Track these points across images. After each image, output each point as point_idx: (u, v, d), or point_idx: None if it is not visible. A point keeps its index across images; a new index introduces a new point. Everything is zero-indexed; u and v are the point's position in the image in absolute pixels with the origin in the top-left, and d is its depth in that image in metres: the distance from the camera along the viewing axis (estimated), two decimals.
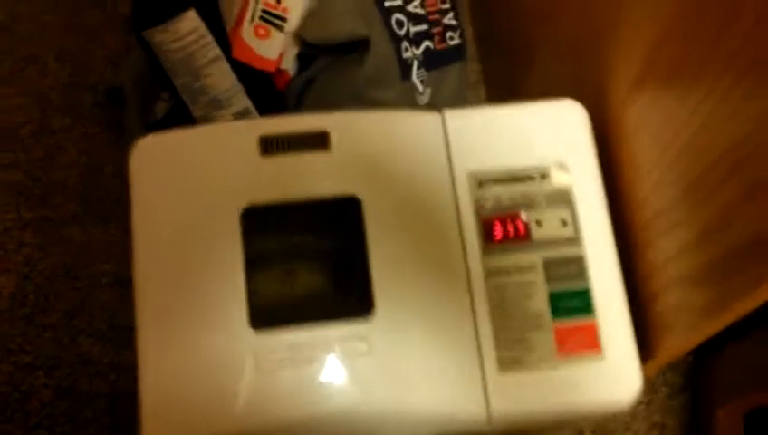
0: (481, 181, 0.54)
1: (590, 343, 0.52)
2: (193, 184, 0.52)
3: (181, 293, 0.51)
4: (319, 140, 0.53)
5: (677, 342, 0.55)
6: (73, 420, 0.80)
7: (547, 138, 0.55)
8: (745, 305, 0.48)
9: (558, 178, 0.54)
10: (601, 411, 0.54)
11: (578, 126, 0.55)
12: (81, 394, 0.81)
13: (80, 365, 0.81)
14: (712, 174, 0.49)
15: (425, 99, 0.81)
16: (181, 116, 0.80)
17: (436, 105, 0.57)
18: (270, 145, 0.53)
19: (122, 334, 0.83)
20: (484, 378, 0.51)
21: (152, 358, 0.50)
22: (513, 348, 0.51)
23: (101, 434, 0.80)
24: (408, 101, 0.79)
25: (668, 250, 0.55)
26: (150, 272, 0.51)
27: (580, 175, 0.55)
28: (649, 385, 0.84)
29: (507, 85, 0.87)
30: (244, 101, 0.79)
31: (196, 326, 0.50)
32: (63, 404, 0.80)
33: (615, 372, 0.52)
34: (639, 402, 0.83)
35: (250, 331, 0.50)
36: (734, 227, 0.48)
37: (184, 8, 0.75)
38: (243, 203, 0.52)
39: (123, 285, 0.84)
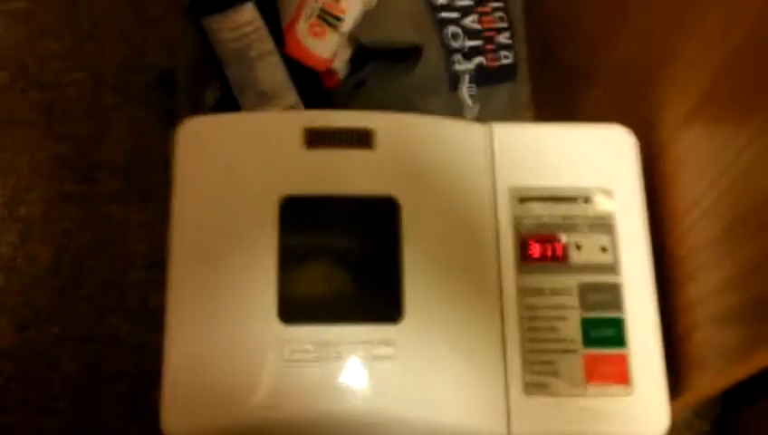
0: (522, 198, 0.53)
1: (619, 374, 0.51)
2: (235, 169, 0.53)
3: (213, 277, 0.51)
4: (363, 138, 0.53)
5: (707, 381, 0.54)
6: (94, 396, 0.80)
7: (594, 162, 0.54)
8: None
9: (601, 204, 0.53)
10: None
11: (626, 153, 0.55)
12: (105, 371, 0.81)
13: (106, 342, 0.82)
14: (757, 214, 0.48)
15: (473, 113, 0.81)
16: (230, 106, 0.81)
17: (486, 121, 0.57)
18: (314, 138, 0.53)
19: (151, 316, 0.83)
20: (507, 397, 0.50)
21: (178, 340, 0.50)
22: (540, 371, 0.51)
23: (120, 412, 0.80)
24: (456, 112, 0.79)
25: (705, 287, 0.54)
26: (185, 253, 0.52)
27: (625, 202, 0.54)
28: (675, 431, 0.82)
29: (558, 109, 0.87)
30: (292, 97, 0.79)
31: (225, 312, 0.50)
32: (86, 379, 0.81)
33: (643, 408, 0.51)
34: None
35: (278, 323, 0.50)
36: None
37: None
38: (282, 193, 0.52)
39: (156, 267, 0.84)
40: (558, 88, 0.87)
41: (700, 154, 0.54)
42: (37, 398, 0.80)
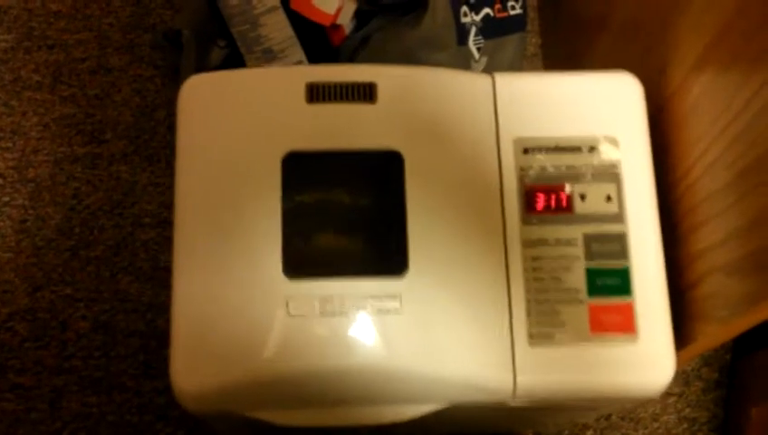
0: (527, 148, 0.53)
1: (625, 323, 0.51)
2: (238, 125, 0.52)
3: (218, 234, 0.51)
4: (366, 92, 0.53)
5: (715, 331, 0.54)
6: (107, 354, 0.82)
7: (599, 110, 0.53)
8: None
9: (607, 152, 0.53)
10: (631, 395, 0.53)
11: (632, 100, 0.54)
12: (117, 330, 0.82)
13: (118, 302, 0.83)
14: (765, 163, 0.47)
15: (480, 66, 0.80)
16: (236, 65, 0.80)
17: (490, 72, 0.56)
18: (316, 92, 0.53)
19: (162, 275, 0.84)
20: (513, 349, 0.50)
21: (185, 298, 0.51)
22: (545, 321, 0.51)
23: (133, 371, 0.81)
24: (463, 66, 0.78)
25: (714, 236, 0.53)
26: (190, 209, 0.52)
27: (630, 151, 0.53)
28: (683, 378, 0.83)
29: (567, 60, 0.86)
30: (298, 54, 0.79)
31: (231, 269, 0.50)
32: (99, 338, 0.82)
33: (648, 356, 0.50)
34: (671, 394, 0.82)
35: (283, 278, 0.50)
36: None
37: None
38: (285, 148, 0.52)
39: (165, 226, 0.85)
40: (567, 38, 0.86)
41: (709, 103, 0.53)
42: (51, 357, 0.81)
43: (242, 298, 0.50)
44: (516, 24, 0.82)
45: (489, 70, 0.81)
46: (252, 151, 0.52)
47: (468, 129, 0.53)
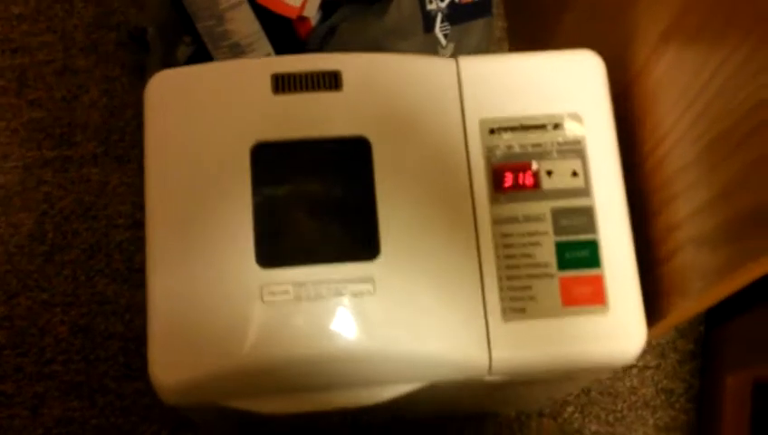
0: (492, 129, 0.53)
1: (595, 295, 0.51)
2: (205, 119, 0.52)
3: (190, 228, 0.51)
4: (331, 80, 0.53)
5: (688, 304, 0.54)
6: (87, 358, 0.81)
7: (562, 88, 0.54)
8: (758, 269, 0.48)
9: (571, 129, 0.54)
10: (604, 364, 0.54)
11: (594, 77, 0.55)
12: (96, 333, 0.82)
13: (96, 304, 0.83)
14: (732, 134, 0.48)
15: (447, 53, 0.81)
16: (203, 60, 0.80)
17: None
18: (282, 83, 0.53)
19: (138, 276, 0.84)
20: (487, 325, 0.51)
21: (160, 290, 0.51)
22: (517, 297, 0.51)
23: (114, 373, 0.81)
24: (430, 53, 0.79)
25: (684, 211, 0.54)
26: (160, 204, 0.52)
27: (594, 126, 0.54)
28: (659, 351, 0.84)
29: (532, 43, 0.86)
30: (265, 47, 0.79)
31: (204, 262, 0.51)
32: (78, 342, 0.82)
33: (619, 326, 0.51)
34: (647, 367, 0.83)
35: (256, 267, 0.50)
36: (751, 188, 0.47)
37: None
38: (253, 140, 0.52)
39: (139, 227, 0.85)
40: (532, 20, 0.87)
41: (674, 80, 0.54)
42: (31, 364, 0.81)
43: (216, 289, 0.50)
44: (481, 9, 0.83)
45: (456, 56, 0.81)
46: (220, 144, 0.52)
47: (434, 112, 0.53)
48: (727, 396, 0.77)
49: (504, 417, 0.82)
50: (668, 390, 0.83)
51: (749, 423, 0.76)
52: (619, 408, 0.83)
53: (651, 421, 0.82)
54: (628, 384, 0.83)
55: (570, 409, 0.82)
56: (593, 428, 0.82)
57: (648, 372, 0.83)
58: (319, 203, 0.52)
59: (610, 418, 0.82)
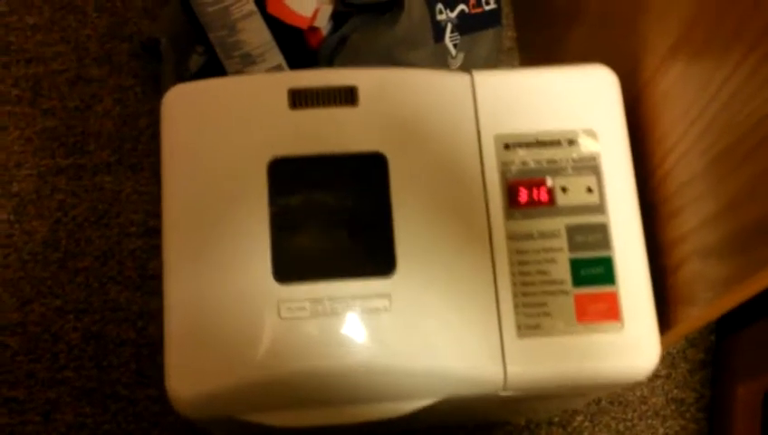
0: (508, 144, 0.54)
1: (610, 311, 0.52)
2: (222, 133, 0.53)
3: (207, 242, 0.52)
4: (347, 96, 0.53)
5: (697, 314, 0.55)
6: (100, 364, 0.82)
7: (576, 103, 0.54)
8: (765, 279, 0.48)
9: (586, 145, 0.54)
10: (618, 381, 0.54)
11: (608, 93, 0.55)
12: (109, 340, 0.83)
13: (108, 311, 0.83)
14: (739, 147, 0.49)
15: (457, 63, 0.81)
16: (215, 71, 0.81)
17: (468, 70, 0.57)
18: (299, 98, 0.53)
19: (150, 283, 0.84)
20: (501, 341, 0.51)
21: (177, 305, 0.51)
22: (532, 313, 0.52)
23: (126, 379, 0.82)
24: (440, 64, 0.79)
25: (691, 222, 0.54)
26: (178, 219, 0.52)
27: (609, 142, 0.54)
28: (669, 360, 0.84)
29: (542, 53, 0.87)
30: (277, 58, 0.79)
31: (221, 276, 0.51)
32: (91, 349, 0.82)
33: (634, 342, 0.52)
34: (658, 377, 0.84)
35: (274, 283, 0.51)
36: (757, 200, 0.47)
37: None
38: (270, 155, 0.52)
39: (152, 235, 0.85)
40: (542, 31, 0.87)
41: (682, 91, 0.54)
42: (44, 370, 0.81)
43: (233, 304, 0.51)
44: (491, 19, 0.83)
45: (466, 66, 0.82)
46: (237, 159, 0.52)
47: (449, 127, 0.53)
48: (738, 406, 0.77)
49: (514, 425, 0.82)
50: (679, 399, 0.84)
51: (760, 433, 0.76)
52: (629, 417, 0.83)
53: (661, 431, 0.83)
54: (638, 394, 0.83)
55: (579, 418, 0.83)
56: None
57: (659, 382, 0.84)
58: (335, 218, 0.53)
59: (620, 427, 0.83)
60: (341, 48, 0.78)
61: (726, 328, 0.83)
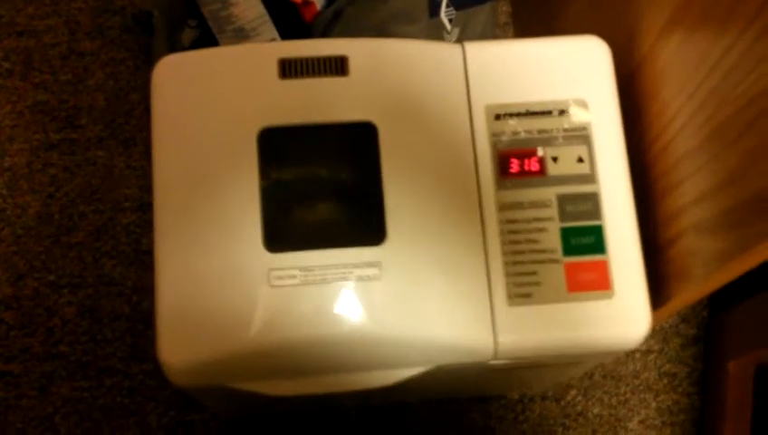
0: (498, 114, 0.54)
1: (600, 280, 0.52)
2: (212, 104, 0.53)
3: (198, 212, 0.52)
4: (338, 65, 0.53)
5: (692, 288, 0.55)
6: (94, 338, 0.82)
7: (568, 73, 0.54)
8: (759, 255, 0.48)
9: (577, 115, 0.54)
10: (609, 349, 0.54)
11: (600, 63, 0.55)
12: (103, 314, 0.83)
13: (102, 286, 0.83)
14: (737, 120, 0.48)
15: (452, 38, 0.81)
16: (208, 45, 0.80)
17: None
18: (289, 68, 0.53)
19: (144, 258, 0.84)
20: (492, 310, 0.51)
21: (168, 276, 0.51)
22: (522, 282, 0.52)
23: (121, 353, 0.82)
24: (436, 38, 0.79)
25: (688, 196, 0.54)
26: (168, 191, 0.52)
27: (600, 112, 0.54)
28: (662, 335, 0.85)
29: (538, 27, 0.86)
30: (270, 32, 0.79)
31: (212, 246, 0.51)
32: (85, 323, 0.82)
33: (624, 311, 0.52)
34: (650, 351, 0.84)
35: (264, 251, 0.51)
36: (754, 175, 0.47)
37: None
38: (260, 124, 0.52)
39: (145, 210, 0.85)
40: (538, 5, 0.86)
41: (678, 66, 0.54)
42: (39, 344, 0.82)
43: (224, 273, 0.51)
44: None
45: (461, 41, 0.81)
46: (227, 129, 0.52)
47: (440, 97, 0.53)
48: (730, 380, 0.78)
49: (508, 399, 0.83)
50: (671, 374, 0.84)
51: (751, 407, 0.76)
52: (621, 391, 0.83)
53: (654, 405, 0.83)
54: (630, 368, 0.84)
55: (573, 392, 0.83)
56: (596, 411, 0.83)
57: (651, 356, 0.84)
58: (325, 188, 0.53)
59: (613, 401, 0.83)
60: (336, 22, 0.78)
61: (719, 303, 0.84)
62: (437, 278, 0.51)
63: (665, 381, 0.84)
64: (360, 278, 0.50)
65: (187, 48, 0.81)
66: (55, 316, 0.82)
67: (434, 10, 0.78)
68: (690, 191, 0.54)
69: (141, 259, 0.84)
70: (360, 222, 0.52)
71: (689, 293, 0.56)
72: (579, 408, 0.83)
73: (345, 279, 0.50)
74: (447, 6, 0.79)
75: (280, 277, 0.50)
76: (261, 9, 0.78)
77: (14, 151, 0.86)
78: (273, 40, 0.79)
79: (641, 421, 0.83)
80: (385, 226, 0.51)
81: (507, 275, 0.52)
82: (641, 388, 0.83)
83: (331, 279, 0.50)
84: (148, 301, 0.83)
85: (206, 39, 0.80)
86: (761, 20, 0.45)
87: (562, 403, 0.83)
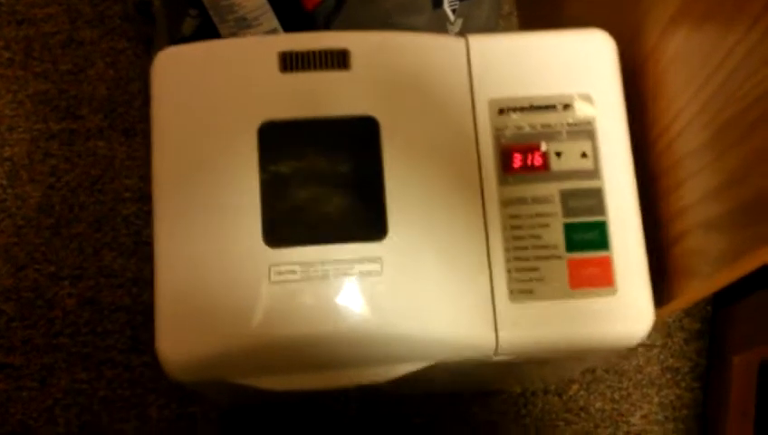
0: (502, 109, 0.53)
1: (603, 276, 0.51)
2: (212, 96, 0.52)
3: (197, 206, 0.51)
4: (339, 59, 0.52)
5: (696, 286, 0.54)
6: (94, 330, 0.82)
7: (572, 68, 0.53)
8: (765, 255, 0.47)
9: (581, 109, 0.53)
10: (611, 346, 0.54)
11: (605, 57, 0.54)
12: (104, 306, 0.83)
13: (103, 277, 0.83)
14: (743, 118, 0.48)
15: (456, 29, 0.80)
16: (209, 34, 0.79)
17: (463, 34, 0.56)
18: (290, 61, 0.52)
19: (144, 249, 0.84)
20: (494, 305, 0.51)
21: (167, 270, 0.51)
22: (525, 278, 0.51)
23: (122, 345, 0.82)
24: (439, 29, 0.78)
25: (693, 194, 0.54)
26: (168, 184, 0.52)
27: (605, 107, 0.53)
28: (665, 330, 0.84)
29: (542, 18, 0.85)
30: (272, 22, 0.78)
31: (212, 240, 0.51)
32: (86, 315, 0.82)
33: (627, 307, 0.51)
34: (654, 346, 0.84)
35: (264, 246, 0.50)
36: (759, 175, 0.47)
37: None
38: (260, 118, 0.52)
39: (146, 201, 0.85)
40: None
41: (684, 62, 0.54)
42: (39, 336, 0.81)
43: (224, 268, 0.50)
44: None
45: (465, 31, 0.80)
46: (227, 122, 0.52)
47: (443, 91, 0.53)
48: (734, 376, 0.77)
49: (510, 394, 0.82)
50: (674, 368, 0.84)
51: (755, 403, 0.76)
52: (624, 386, 0.83)
53: (656, 400, 0.83)
54: (633, 363, 0.83)
55: (575, 386, 0.83)
56: (598, 405, 0.83)
57: (654, 351, 0.84)
58: (326, 183, 0.52)
59: (616, 395, 0.83)
60: (338, 12, 0.77)
61: (723, 298, 0.83)
62: (439, 274, 0.50)
63: (668, 375, 0.83)
64: (361, 274, 0.50)
65: (188, 38, 0.81)
66: (56, 308, 0.82)
67: (437, 1, 0.78)
68: (696, 189, 0.53)
69: (142, 250, 0.84)
70: (362, 217, 0.51)
71: (694, 291, 0.55)
72: (581, 402, 0.83)
73: (346, 275, 0.50)
74: None
75: (280, 273, 0.50)
76: None
77: (15, 141, 0.86)
78: (275, 30, 0.78)
79: (644, 416, 0.83)
80: (386, 221, 0.51)
81: (509, 270, 0.51)
82: (644, 383, 0.83)
83: (332, 274, 0.50)
84: (148, 293, 0.83)
85: (207, 29, 0.79)
86: (765, 20, 0.44)
87: (565, 398, 0.83)
